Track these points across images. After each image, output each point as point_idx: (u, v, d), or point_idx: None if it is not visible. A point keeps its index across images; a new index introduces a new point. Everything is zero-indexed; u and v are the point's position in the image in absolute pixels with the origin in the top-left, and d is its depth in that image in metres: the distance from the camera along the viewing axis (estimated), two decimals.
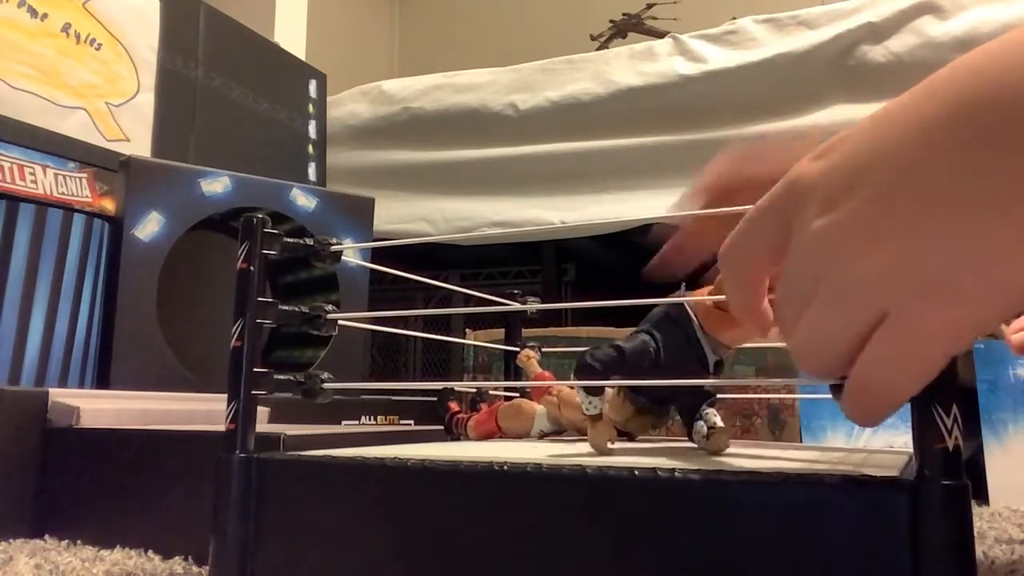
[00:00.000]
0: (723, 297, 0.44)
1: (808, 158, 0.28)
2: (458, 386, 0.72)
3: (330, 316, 0.50)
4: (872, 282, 0.25)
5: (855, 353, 0.27)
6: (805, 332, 0.28)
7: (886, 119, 0.26)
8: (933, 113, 0.25)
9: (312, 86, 1.86)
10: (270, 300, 0.48)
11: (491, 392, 0.75)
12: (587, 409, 0.46)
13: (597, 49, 2.30)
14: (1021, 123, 0.23)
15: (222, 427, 0.46)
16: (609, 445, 0.46)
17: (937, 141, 0.24)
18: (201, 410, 0.86)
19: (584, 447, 0.49)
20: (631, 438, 0.57)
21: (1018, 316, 0.43)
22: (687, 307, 0.47)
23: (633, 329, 0.49)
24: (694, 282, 0.49)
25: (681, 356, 0.47)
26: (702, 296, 0.47)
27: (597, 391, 0.46)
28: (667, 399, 0.52)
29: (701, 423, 0.48)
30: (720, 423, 0.47)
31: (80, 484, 0.74)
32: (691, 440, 0.49)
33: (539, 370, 0.69)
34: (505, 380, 0.81)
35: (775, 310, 0.30)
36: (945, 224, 0.24)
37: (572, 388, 0.57)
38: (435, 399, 0.71)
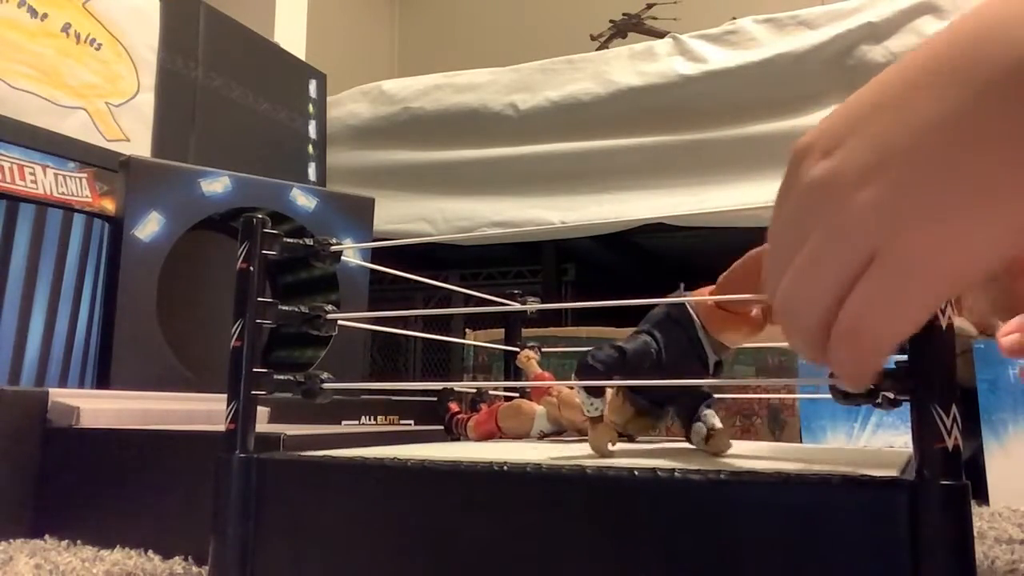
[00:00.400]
0: (725, 297, 0.44)
1: (810, 130, 0.28)
2: (458, 386, 0.72)
3: (330, 316, 0.50)
4: (865, 216, 0.25)
5: (841, 302, 0.26)
6: (791, 282, 0.27)
7: (881, 76, 0.27)
8: (922, 59, 0.26)
9: (312, 86, 1.86)
10: (270, 300, 0.48)
11: (491, 392, 0.75)
12: (588, 411, 0.46)
13: (597, 49, 2.30)
14: (993, 65, 0.24)
15: (222, 427, 0.46)
16: (610, 447, 0.46)
17: (928, 81, 0.25)
18: (201, 410, 0.86)
19: (584, 448, 0.49)
20: (631, 439, 0.57)
21: (1011, 313, 0.43)
22: (688, 307, 0.47)
23: (634, 329, 0.49)
24: (694, 282, 0.49)
25: (682, 357, 0.47)
26: (703, 296, 0.46)
27: (598, 393, 0.46)
28: (666, 400, 0.51)
29: (700, 424, 0.47)
30: (719, 424, 0.47)
31: (80, 484, 0.74)
32: (690, 442, 0.49)
33: (539, 370, 0.69)
34: (505, 380, 0.81)
35: (763, 272, 0.29)
36: (937, 159, 0.24)
37: (572, 388, 0.57)
38: (435, 399, 0.71)
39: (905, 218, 0.25)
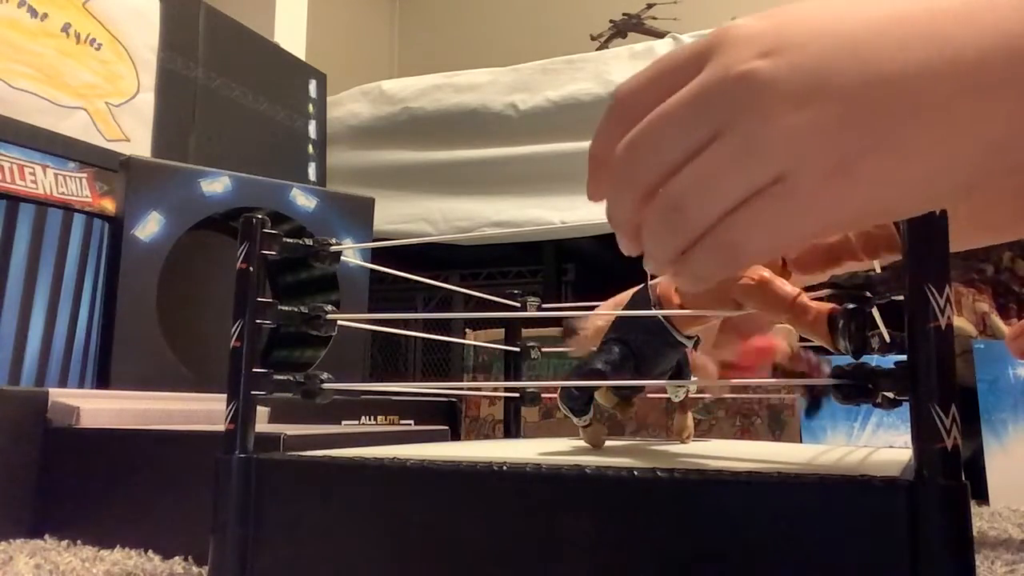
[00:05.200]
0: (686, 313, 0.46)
1: (750, 16, 0.27)
2: (459, 387, 0.72)
3: (330, 316, 0.50)
4: (784, 144, 0.24)
5: (729, 211, 0.26)
6: (687, 180, 0.26)
7: (843, 3, 0.26)
8: (886, 13, 0.25)
9: (312, 86, 1.85)
10: (270, 300, 0.48)
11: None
12: (580, 421, 0.51)
13: (597, 49, 2.31)
14: (961, 38, 0.24)
15: (222, 427, 0.46)
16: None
17: (894, 32, 0.25)
18: (201, 410, 0.86)
19: (581, 445, 0.49)
20: (613, 420, 0.59)
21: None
22: (650, 293, 0.49)
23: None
24: None
25: (655, 347, 0.49)
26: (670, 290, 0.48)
27: (586, 410, 0.50)
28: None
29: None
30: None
31: (80, 484, 0.74)
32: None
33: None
34: (505, 380, 0.81)
35: (634, 144, 0.27)
36: (878, 108, 0.24)
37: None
38: (435, 399, 0.71)
39: (823, 158, 0.24)
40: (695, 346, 0.49)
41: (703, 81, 0.26)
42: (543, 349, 0.77)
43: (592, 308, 0.56)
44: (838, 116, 0.24)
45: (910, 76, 0.24)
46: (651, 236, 0.28)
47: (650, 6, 2.67)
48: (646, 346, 0.48)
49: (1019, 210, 0.44)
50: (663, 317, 0.47)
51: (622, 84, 0.29)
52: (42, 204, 1.14)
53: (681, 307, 0.47)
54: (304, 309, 0.50)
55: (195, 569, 0.62)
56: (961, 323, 1.25)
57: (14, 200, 1.10)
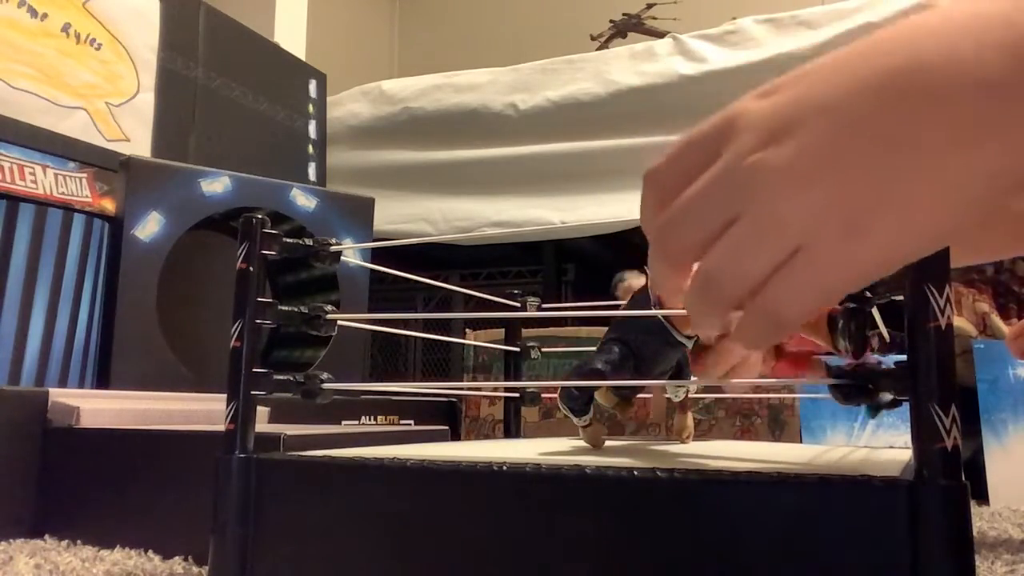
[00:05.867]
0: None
1: (754, 95, 0.29)
2: (459, 387, 0.72)
3: (330, 316, 0.50)
4: (798, 221, 0.27)
5: (762, 284, 0.28)
6: (717, 260, 0.29)
7: (830, 71, 0.28)
8: (882, 69, 0.27)
9: (312, 86, 1.85)
10: (270, 300, 0.48)
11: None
12: (580, 422, 0.51)
13: (597, 49, 2.30)
14: (944, 91, 0.25)
15: (222, 427, 0.46)
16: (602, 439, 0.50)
17: (884, 97, 0.26)
18: (201, 410, 0.86)
19: (581, 445, 0.49)
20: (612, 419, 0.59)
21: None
22: (651, 295, 0.49)
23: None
24: None
25: (654, 348, 0.50)
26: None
27: (586, 410, 0.50)
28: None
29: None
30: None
31: (80, 484, 0.74)
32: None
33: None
34: (505, 380, 0.81)
35: (667, 225, 0.30)
36: (880, 172, 0.26)
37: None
38: (435, 399, 0.72)
39: (834, 228, 0.26)
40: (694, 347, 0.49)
41: (720, 171, 0.29)
42: (543, 349, 0.77)
43: (593, 308, 0.56)
44: (841, 186, 0.26)
45: (903, 134, 0.26)
46: (693, 311, 0.31)
47: (650, 6, 2.67)
48: (645, 346, 0.49)
49: (1019, 233, 0.44)
50: (663, 317, 0.47)
51: (650, 167, 0.32)
52: (42, 204, 1.14)
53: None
54: (304, 309, 0.50)
55: (195, 569, 0.62)
56: (961, 323, 1.25)
57: (14, 200, 1.10)
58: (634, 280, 0.61)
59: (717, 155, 0.29)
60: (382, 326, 0.85)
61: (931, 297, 0.30)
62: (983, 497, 1.05)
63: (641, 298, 0.50)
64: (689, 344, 0.49)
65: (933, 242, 0.28)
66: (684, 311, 0.42)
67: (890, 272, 0.28)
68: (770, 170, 0.27)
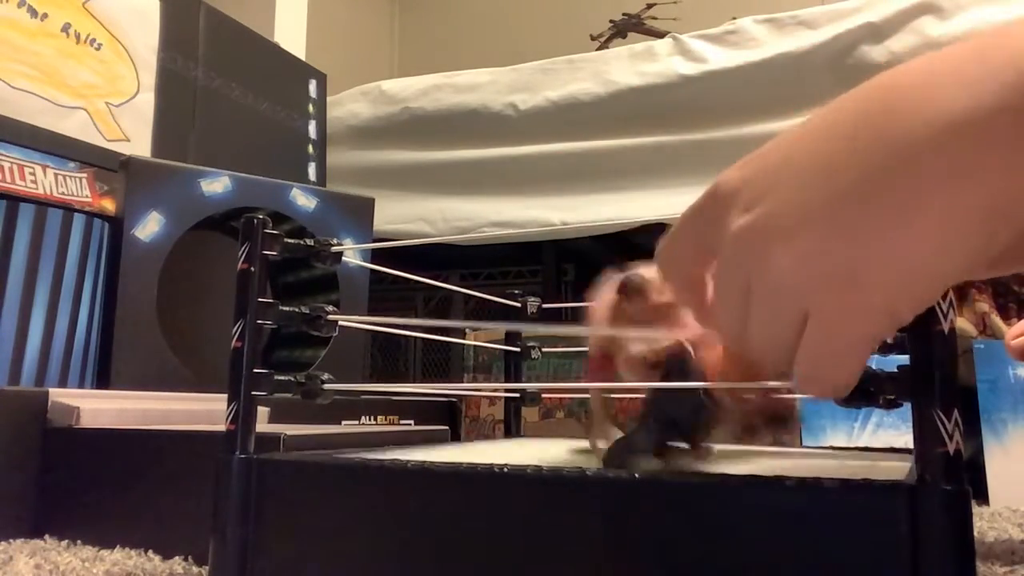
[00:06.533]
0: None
1: (732, 168, 0.30)
2: (459, 387, 0.72)
3: (330, 317, 0.50)
4: (787, 276, 0.27)
5: (797, 346, 0.28)
6: (755, 338, 0.29)
7: (802, 130, 0.29)
8: (845, 122, 0.27)
9: (312, 86, 1.85)
10: (270, 301, 0.48)
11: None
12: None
13: (597, 49, 2.30)
14: (909, 136, 0.25)
15: (222, 427, 0.46)
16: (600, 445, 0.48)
17: (847, 146, 0.26)
18: (201, 410, 0.86)
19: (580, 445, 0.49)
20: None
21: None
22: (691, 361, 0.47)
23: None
24: None
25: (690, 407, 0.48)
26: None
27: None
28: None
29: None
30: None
31: (80, 484, 0.74)
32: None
33: None
34: (505, 380, 0.81)
35: (717, 318, 0.31)
36: (851, 219, 0.26)
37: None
38: (435, 399, 0.71)
39: (824, 279, 0.26)
40: None
41: (723, 248, 0.29)
42: (544, 349, 0.77)
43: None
44: (823, 239, 0.26)
45: (876, 183, 0.26)
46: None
47: (650, 6, 2.67)
48: (681, 407, 0.47)
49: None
50: (704, 393, 0.46)
51: (657, 253, 0.33)
52: (42, 204, 1.14)
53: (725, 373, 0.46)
54: (304, 309, 0.50)
55: (195, 569, 0.62)
56: (961, 323, 1.25)
57: (14, 200, 1.10)
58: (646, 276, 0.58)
59: (712, 229, 0.30)
60: (382, 326, 0.85)
61: None
62: (983, 497, 1.05)
63: (676, 369, 0.48)
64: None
65: (934, 285, 0.27)
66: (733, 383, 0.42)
67: (908, 320, 0.28)
68: (752, 236, 0.28)
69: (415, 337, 1.89)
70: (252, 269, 0.47)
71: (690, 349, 0.46)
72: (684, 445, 0.49)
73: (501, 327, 0.75)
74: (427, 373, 2.02)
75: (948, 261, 0.26)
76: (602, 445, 0.47)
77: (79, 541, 0.70)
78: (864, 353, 0.28)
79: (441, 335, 1.69)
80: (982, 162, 0.24)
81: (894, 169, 0.25)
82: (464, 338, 1.34)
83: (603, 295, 0.50)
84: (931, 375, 0.30)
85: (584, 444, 0.53)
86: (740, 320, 0.30)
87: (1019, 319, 1.30)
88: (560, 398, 1.19)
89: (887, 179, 0.25)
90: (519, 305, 0.74)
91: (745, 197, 0.28)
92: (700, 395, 0.46)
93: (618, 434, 0.48)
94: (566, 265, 1.81)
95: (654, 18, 2.64)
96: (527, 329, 0.76)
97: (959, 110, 0.24)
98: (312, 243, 0.50)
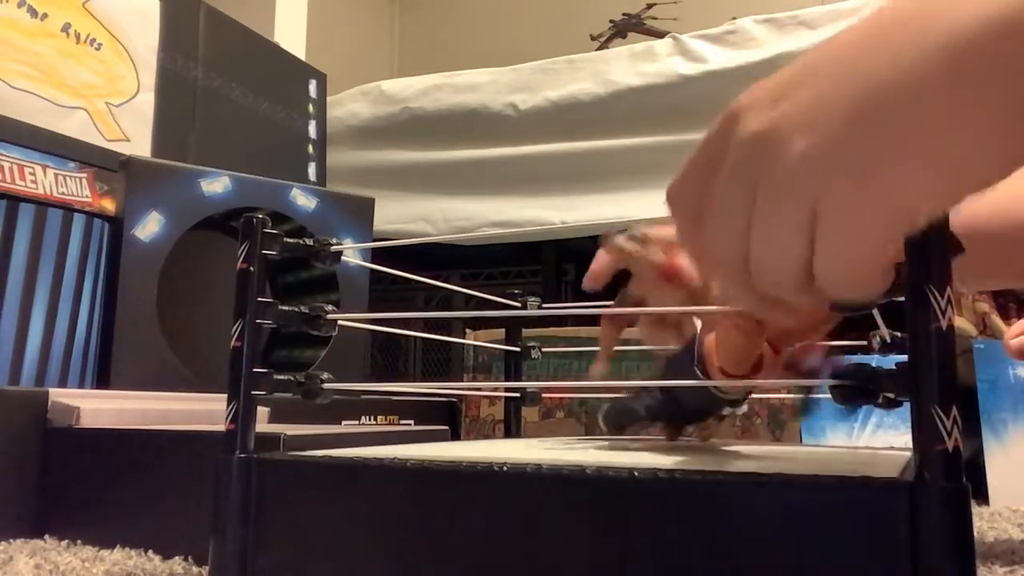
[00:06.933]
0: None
1: (748, 89, 0.29)
2: (459, 387, 0.72)
3: (330, 316, 0.50)
4: (805, 175, 0.26)
5: (808, 251, 0.27)
6: (756, 249, 0.28)
7: (821, 46, 0.29)
8: (874, 28, 0.27)
9: (312, 86, 1.85)
10: (270, 300, 0.48)
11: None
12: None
13: (597, 49, 2.30)
14: (939, 27, 0.25)
15: (222, 427, 0.46)
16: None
17: (878, 43, 0.26)
18: (201, 410, 0.86)
19: (581, 445, 0.49)
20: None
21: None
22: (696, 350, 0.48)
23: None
24: None
25: (698, 398, 0.50)
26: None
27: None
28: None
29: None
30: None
31: (80, 484, 0.74)
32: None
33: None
34: (505, 380, 0.81)
35: (714, 242, 0.30)
36: (873, 115, 0.26)
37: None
38: (435, 399, 0.72)
39: (842, 170, 0.26)
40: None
41: (730, 153, 0.28)
42: (543, 349, 0.77)
43: (594, 306, 0.55)
44: (841, 135, 0.26)
45: (898, 82, 0.25)
46: (764, 312, 0.31)
47: (650, 6, 2.67)
48: (689, 395, 0.48)
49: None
50: (700, 372, 0.47)
51: (668, 188, 0.32)
52: (42, 204, 1.14)
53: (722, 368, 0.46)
54: (304, 309, 0.50)
55: (195, 569, 0.62)
56: (961, 323, 1.25)
57: (14, 200, 1.10)
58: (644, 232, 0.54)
59: (723, 146, 0.29)
60: (382, 326, 0.85)
61: (932, 298, 0.30)
62: (983, 497, 1.05)
63: (683, 355, 0.49)
64: (739, 409, 0.49)
65: (954, 186, 0.27)
66: (738, 382, 0.43)
67: (922, 223, 0.27)
68: (770, 130, 0.27)
69: (415, 337, 1.89)
70: (251, 269, 0.47)
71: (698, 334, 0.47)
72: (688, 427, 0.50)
73: (506, 314, 0.75)
74: (427, 373, 2.02)
75: (970, 161, 0.25)
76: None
77: (79, 541, 0.70)
78: (880, 256, 0.27)
79: (441, 334, 1.69)
80: (1016, 58, 0.24)
81: (919, 63, 0.25)
82: (464, 338, 1.34)
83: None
84: (930, 372, 0.30)
85: (580, 443, 0.53)
86: (740, 238, 0.28)
87: (1019, 319, 1.30)
88: (560, 398, 1.19)
89: (911, 74, 0.25)
90: (519, 305, 0.74)
91: (761, 105, 0.28)
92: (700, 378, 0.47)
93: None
94: (566, 265, 1.81)
95: (654, 18, 2.64)
96: (537, 312, 0.75)
97: (997, 7, 0.24)
98: (312, 243, 0.50)
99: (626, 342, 0.55)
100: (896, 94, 0.25)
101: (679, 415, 0.49)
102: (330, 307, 0.50)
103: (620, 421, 0.50)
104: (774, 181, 0.27)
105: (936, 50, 0.25)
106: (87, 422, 0.76)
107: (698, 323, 0.49)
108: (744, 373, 0.45)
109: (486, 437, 1.26)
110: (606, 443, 0.54)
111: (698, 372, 0.47)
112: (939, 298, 0.30)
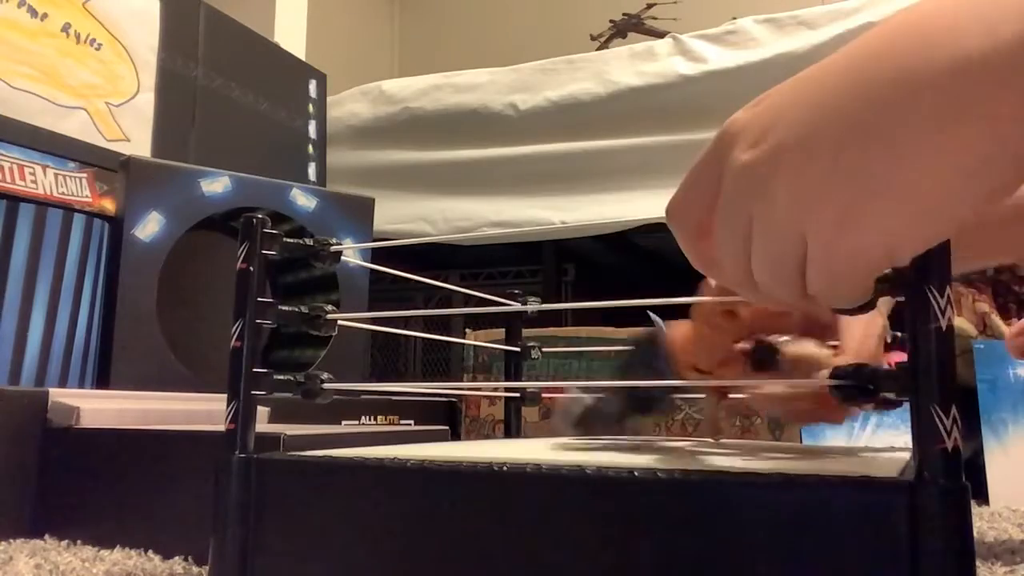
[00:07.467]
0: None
1: (741, 109, 0.31)
2: (459, 387, 0.72)
3: (330, 316, 0.50)
4: (790, 209, 0.28)
5: (803, 273, 0.29)
6: (760, 274, 0.30)
7: (811, 73, 0.29)
8: (855, 60, 0.28)
9: (312, 86, 1.85)
10: (270, 300, 0.48)
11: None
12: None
13: (597, 49, 2.31)
14: (917, 76, 0.25)
15: (222, 427, 0.46)
16: None
17: (856, 87, 0.27)
18: (201, 410, 0.86)
19: (583, 446, 0.49)
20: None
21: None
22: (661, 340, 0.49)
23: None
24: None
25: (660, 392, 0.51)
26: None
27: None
28: None
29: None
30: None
31: (80, 484, 0.74)
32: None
33: None
34: (505, 380, 0.81)
35: (719, 258, 0.32)
36: (854, 158, 0.26)
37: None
38: (435, 399, 0.72)
39: (827, 214, 0.27)
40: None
41: (726, 182, 0.30)
42: (544, 349, 0.77)
43: (591, 307, 0.55)
44: (824, 171, 0.27)
45: (876, 120, 0.26)
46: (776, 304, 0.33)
47: (650, 6, 2.67)
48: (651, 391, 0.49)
49: (1004, 240, 0.45)
50: (673, 372, 0.48)
51: (668, 204, 0.34)
52: (42, 204, 1.14)
53: (688, 360, 0.47)
54: (304, 309, 0.50)
55: (195, 569, 0.62)
56: (961, 323, 1.25)
57: (14, 200, 1.10)
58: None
59: (718, 168, 0.30)
60: (382, 326, 0.84)
61: (932, 298, 0.30)
62: (983, 497, 1.05)
63: (644, 350, 0.50)
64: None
65: (933, 228, 0.28)
66: (717, 383, 0.44)
67: (906, 260, 0.28)
68: (759, 164, 0.28)
69: (415, 337, 1.89)
70: (251, 269, 0.47)
71: (662, 329, 0.48)
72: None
73: (505, 310, 0.75)
74: (427, 373, 2.02)
75: (945, 204, 0.26)
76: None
77: (79, 541, 0.70)
78: (868, 277, 0.29)
79: (441, 334, 1.69)
80: (994, 100, 0.24)
81: (897, 106, 0.25)
82: (464, 338, 1.34)
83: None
84: (929, 371, 0.30)
85: (577, 441, 0.53)
86: (742, 257, 0.30)
87: (1019, 319, 1.30)
88: (560, 398, 1.19)
89: (891, 117, 0.25)
90: (519, 305, 0.73)
91: (751, 133, 0.29)
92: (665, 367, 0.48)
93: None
94: (566, 265, 1.81)
95: (654, 18, 2.64)
96: (537, 307, 0.75)
97: (975, 47, 0.24)
98: (311, 243, 0.50)
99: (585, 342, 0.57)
100: (874, 132, 0.26)
101: (639, 406, 0.50)
102: (330, 307, 0.50)
103: (590, 422, 0.51)
104: (764, 220, 0.28)
105: (913, 89, 0.25)
106: (87, 422, 0.76)
107: (660, 321, 0.50)
108: (711, 368, 0.47)
109: (486, 437, 1.26)
110: (606, 443, 0.54)
111: (665, 367, 0.48)
112: (938, 298, 0.30)
